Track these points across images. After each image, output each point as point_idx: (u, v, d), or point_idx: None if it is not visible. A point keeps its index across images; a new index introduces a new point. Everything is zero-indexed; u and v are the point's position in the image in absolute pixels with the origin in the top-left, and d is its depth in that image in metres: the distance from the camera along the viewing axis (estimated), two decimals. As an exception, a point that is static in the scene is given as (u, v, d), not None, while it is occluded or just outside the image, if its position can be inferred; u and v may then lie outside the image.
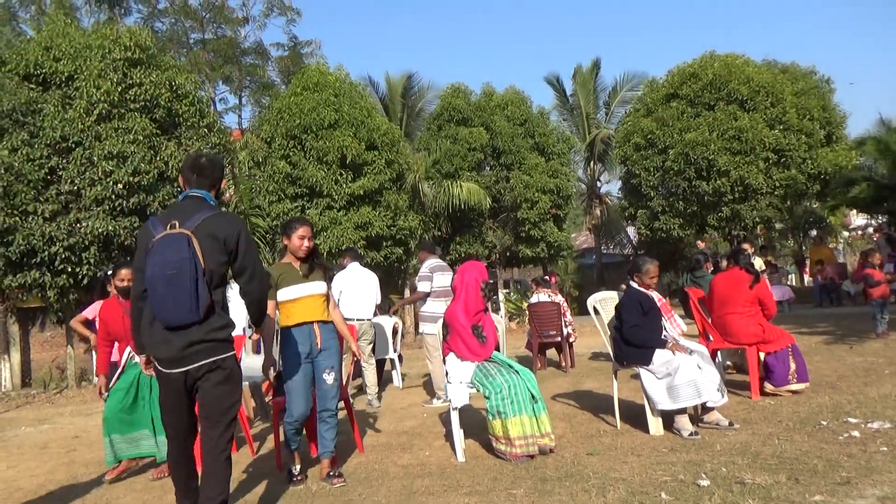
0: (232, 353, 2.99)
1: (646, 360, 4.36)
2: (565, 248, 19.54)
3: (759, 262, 10.98)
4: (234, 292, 3.22)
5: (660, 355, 4.33)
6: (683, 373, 4.19)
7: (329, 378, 3.86)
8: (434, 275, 6.44)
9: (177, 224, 2.86)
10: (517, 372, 4.18)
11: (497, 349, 4.54)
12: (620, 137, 18.59)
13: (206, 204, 3.02)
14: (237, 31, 24.95)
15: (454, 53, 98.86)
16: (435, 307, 6.37)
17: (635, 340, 4.43)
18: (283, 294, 3.85)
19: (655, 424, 4.35)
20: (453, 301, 4.47)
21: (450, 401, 4.31)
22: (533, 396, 4.07)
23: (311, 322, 3.85)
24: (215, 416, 2.91)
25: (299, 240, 3.89)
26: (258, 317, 3.21)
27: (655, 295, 4.60)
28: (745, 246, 10.21)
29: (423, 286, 6.43)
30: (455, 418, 4.29)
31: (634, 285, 4.61)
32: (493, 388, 4.06)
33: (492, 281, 4.80)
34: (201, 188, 3.06)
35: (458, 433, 4.29)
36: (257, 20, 25.12)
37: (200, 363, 2.87)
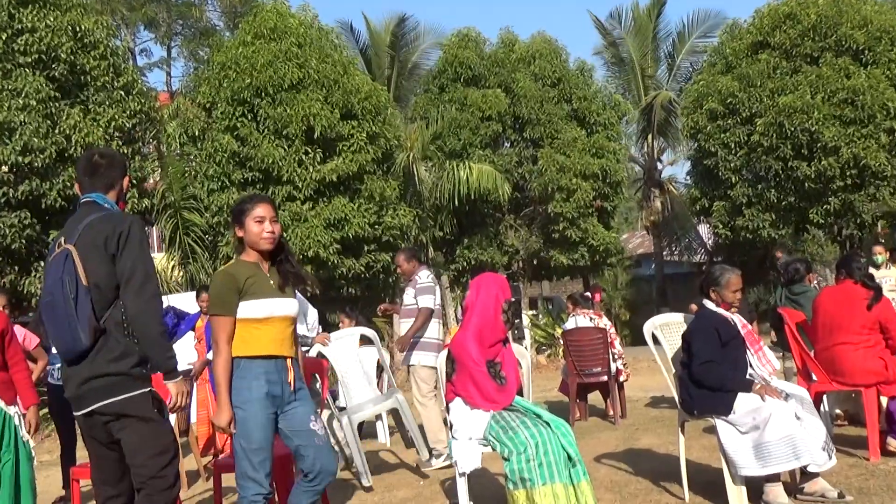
0: (143, 389, 3.17)
1: (725, 409, 4.35)
2: (614, 255, 19.55)
3: (893, 274, 10.77)
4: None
5: (744, 402, 4.32)
6: (776, 426, 4.18)
7: (318, 427, 3.61)
8: (435, 287, 6.57)
9: (62, 241, 3.17)
10: (547, 424, 4.18)
11: (520, 393, 4.54)
12: (689, 102, 18.61)
13: (97, 207, 3.26)
14: (165, -42, 25.16)
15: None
16: (430, 330, 6.43)
17: (710, 381, 4.42)
18: (249, 309, 3.49)
19: (738, 496, 4.34)
20: (461, 327, 4.47)
21: (455, 463, 4.31)
22: (569, 457, 4.07)
23: (284, 357, 3.56)
24: (140, 471, 3.16)
25: (257, 224, 3.51)
26: (160, 351, 3.17)
27: (738, 319, 4.60)
28: (877, 249, 10.03)
29: (425, 300, 6.43)
30: (463, 487, 4.29)
31: (710, 305, 4.61)
32: (515, 446, 4.06)
33: (515, 299, 4.80)
34: (95, 191, 3.32)
35: (466, 508, 4.29)
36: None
37: (99, 404, 3.10)
